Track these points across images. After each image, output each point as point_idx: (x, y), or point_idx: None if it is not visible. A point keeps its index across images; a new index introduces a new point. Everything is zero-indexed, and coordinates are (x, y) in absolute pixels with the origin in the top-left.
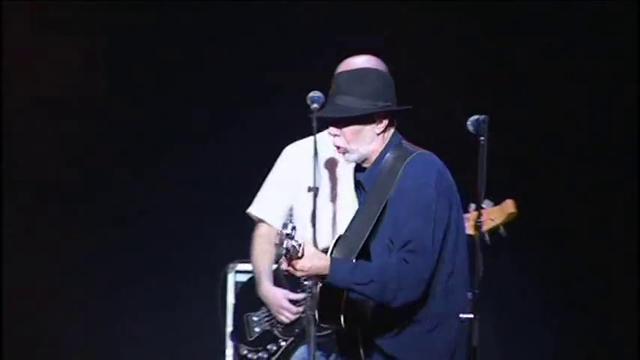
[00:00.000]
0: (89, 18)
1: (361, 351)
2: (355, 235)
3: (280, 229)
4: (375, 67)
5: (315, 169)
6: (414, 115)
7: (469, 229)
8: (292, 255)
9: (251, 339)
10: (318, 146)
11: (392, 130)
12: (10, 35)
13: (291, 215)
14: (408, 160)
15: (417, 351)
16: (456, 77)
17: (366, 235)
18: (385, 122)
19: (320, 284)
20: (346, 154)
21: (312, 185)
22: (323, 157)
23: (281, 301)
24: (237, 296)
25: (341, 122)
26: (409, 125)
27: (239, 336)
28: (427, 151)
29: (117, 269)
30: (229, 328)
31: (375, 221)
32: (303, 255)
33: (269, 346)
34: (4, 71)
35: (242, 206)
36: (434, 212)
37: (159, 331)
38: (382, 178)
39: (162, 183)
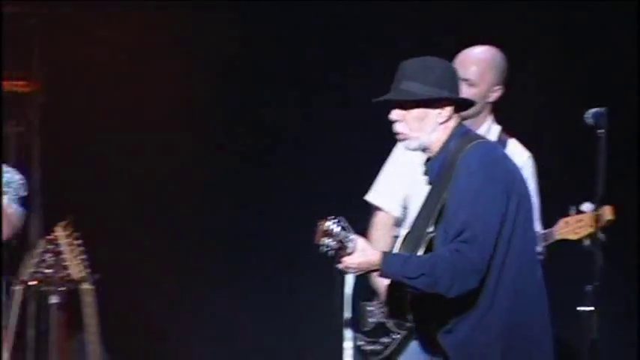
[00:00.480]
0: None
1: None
2: (418, 230)
3: (331, 223)
4: (491, 57)
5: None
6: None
7: (568, 234)
8: (343, 250)
9: (366, 329)
10: None
11: (456, 121)
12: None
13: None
14: (465, 150)
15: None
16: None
17: (428, 230)
18: (448, 111)
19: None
20: (407, 141)
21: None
22: None
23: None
24: (355, 285)
25: (404, 106)
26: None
27: (355, 326)
28: (487, 140)
29: (235, 257)
30: (346, 317)
31: (436, 215)
32: (354, 250)
33: (382, 339)
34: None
35: (360, 195)
36: (487, 202)
37: (278, 321)
38: (444, 170)
39: (283, 172)
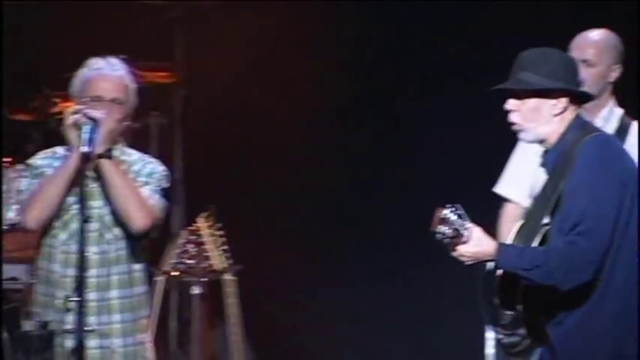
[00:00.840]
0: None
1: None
2: (534, 221)
3: (448, 211)
4: (607, 37)
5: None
6: None
7: None
8: (459, 238)
9: (503, 322)
10: None
11: (573, 113)
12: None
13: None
14: (582, 142)
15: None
16: None
17: (544, 221)
18: (564, 102)
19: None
20: (522, 133)
21: None
22: None
23: None
24: (484, 278)
25: (519, 96)
26: None
27: (492, 320)
28: (605, 133)
29: (375, 249)
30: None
31: (552, 207)
32: (469, 239)
33: (519, 330)
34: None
35: (489, 187)
36: (603, 195)
37: (423, 316)
38: (561, 162)
39: (415, 167)
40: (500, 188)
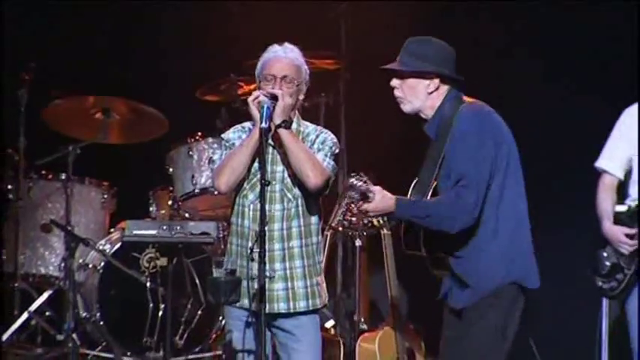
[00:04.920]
0: None
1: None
2: (425, 178)
3: (354, 179)
4: None
5: None
6: None
7: None
8: (366, 200)
9: (604, 272)
10: None
11: (446, 90)
12: None
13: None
14: (458, 111)
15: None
16: None
17: (432, 179)
18: (436, 82)
19: None
20: (402, 105)
21: None
22: None
23: (620, 236)
24: None
25: (401, 76)
26: None
27: (594, 270)
28: (475, 101)
29: None
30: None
31: (438, 166)
32: (373, 199)
33: (617, 276)
34: None
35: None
36: (478, 152)
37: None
38: (442, 128)
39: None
40: (599, 162)
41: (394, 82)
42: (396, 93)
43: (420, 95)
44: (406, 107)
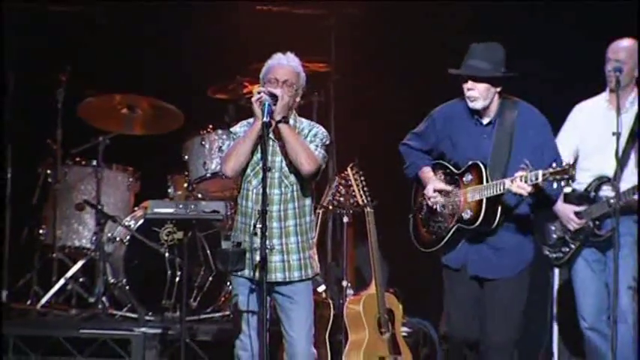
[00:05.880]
0: None
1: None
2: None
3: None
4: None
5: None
6: None
7: None
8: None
9: (551, 242)
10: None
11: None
12: None
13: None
14: (518, 107)
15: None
16: None
17: (511, 159)
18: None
19: None
20: (474, 102)
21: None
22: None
23: (569, 214)
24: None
25: (476, 79)
26: None
27: (542, 240)
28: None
29: None
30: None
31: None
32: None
33: (563, 249)
34: None
35: None
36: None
37: None
38: (504, 121)
39: None
40: None
41: (469, 84)
42: (471, 94)
43: (490, 95)
44: (477, 104)
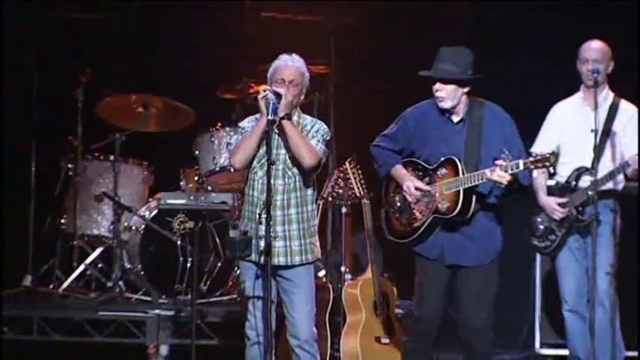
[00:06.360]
0: None
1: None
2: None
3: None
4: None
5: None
6: None
7: None
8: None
9: (538, 233)
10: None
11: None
12: None
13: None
14: (484, 106)
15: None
16: None
17: (482, 154)
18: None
19: None
20: (442, 102)
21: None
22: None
23: (553, 205)
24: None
25: (444, 82)
26: None
27: (531, 232)
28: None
29: None
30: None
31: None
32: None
33: (550, 237)
34: None
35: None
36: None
37: None
38: (473, 119)
39: None
40: (534, 148)
41: (437, 86)
42: (440, 94)
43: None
44: (446, 104)
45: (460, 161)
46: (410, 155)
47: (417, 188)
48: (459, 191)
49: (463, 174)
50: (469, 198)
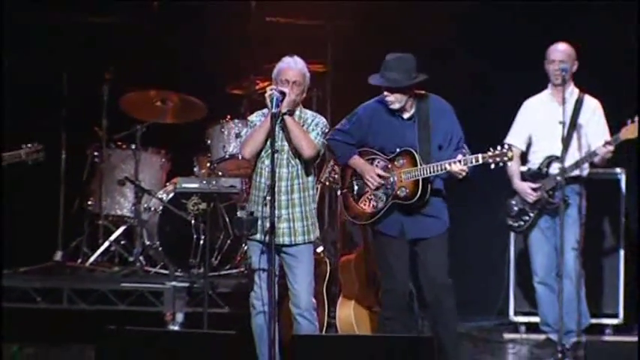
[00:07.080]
0: None
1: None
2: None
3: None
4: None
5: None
6: None
7: (628, 134)
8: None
9: (513, 214)
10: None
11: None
12: None
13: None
14: (428, 99)
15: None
16: None
17: (432, 145)
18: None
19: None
20: (392, 105)
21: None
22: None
23: (526, 189)
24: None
25: (394, 90)
26: None
27: (506, 213)
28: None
29: None
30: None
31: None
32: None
33: (524, 217)
34: None
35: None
36: None
37: None
38: (420, 113)
39: None
40: (507, 139)
41: (386, 93)
42: (390, 99)
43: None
44: (395, 106)
45: (417, 152)
46: (363, 146)
47: (379, 176)
48: (418, 180)
49: (421, 164)
50: (426, 185)
